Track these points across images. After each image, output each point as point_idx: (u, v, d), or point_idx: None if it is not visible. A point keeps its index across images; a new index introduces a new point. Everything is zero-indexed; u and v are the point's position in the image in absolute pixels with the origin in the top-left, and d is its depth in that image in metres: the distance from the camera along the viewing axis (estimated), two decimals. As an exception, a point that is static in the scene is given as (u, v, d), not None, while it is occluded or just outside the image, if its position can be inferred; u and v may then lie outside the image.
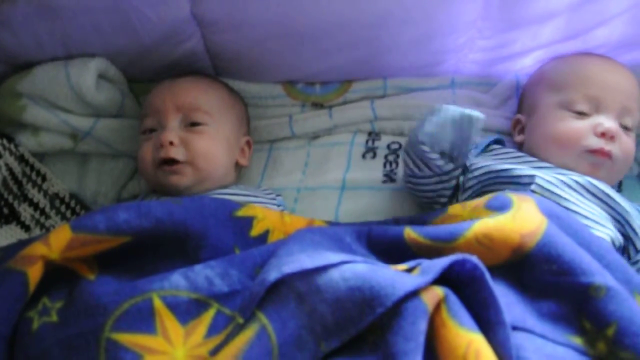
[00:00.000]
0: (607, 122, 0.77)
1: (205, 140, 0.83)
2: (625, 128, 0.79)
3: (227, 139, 0.87)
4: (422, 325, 0.49)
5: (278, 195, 0.90)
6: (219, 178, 0.85)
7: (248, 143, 0.93)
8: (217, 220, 0.66)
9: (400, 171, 0.92)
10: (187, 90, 0.87)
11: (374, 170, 0.93)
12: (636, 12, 0.84)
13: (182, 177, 0.81)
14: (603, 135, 0.76)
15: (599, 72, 0.81)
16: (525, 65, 0.96)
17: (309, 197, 0.92)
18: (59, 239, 0.59)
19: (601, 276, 0.55)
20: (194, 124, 0.84)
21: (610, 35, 0.88)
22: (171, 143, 0.81)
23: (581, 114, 0.79)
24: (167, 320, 0.55)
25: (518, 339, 0.53)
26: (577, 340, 0.54)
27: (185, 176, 0.81)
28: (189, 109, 0.84)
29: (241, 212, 0.69)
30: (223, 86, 0.94)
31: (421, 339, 0.49)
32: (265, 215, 0.71)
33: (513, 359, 0.49)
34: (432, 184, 0.79)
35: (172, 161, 0.81)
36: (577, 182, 0.74)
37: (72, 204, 0.91)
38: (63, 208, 0.89)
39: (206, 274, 0.58)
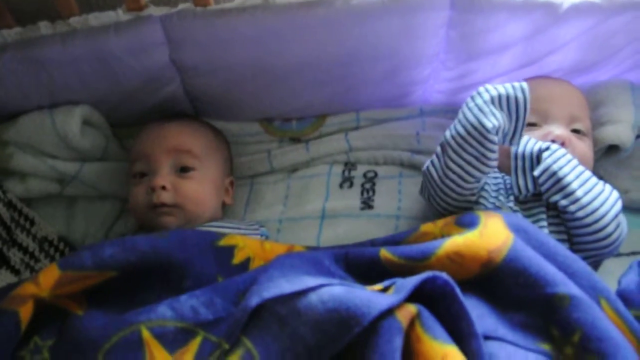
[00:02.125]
0: (557, 130, 0.81)
1: (195, 185, 0.86)
2: (578, 132, 0.84)
3: (214, 182, 0.90)
4: (398, 342, 0.51)
5: (262, 227, 0.93)
6: (207, 218, 0.88)
7: (231, 183, 0.96)
8: (199, 250, 0.68)
9: (377, 199, 0.96)
10: (177, 134, 0.89)
11: (352, 198, 0.97)
12: (583, 40, 0.89)
13: (173, 218, 0.84)
14: (553, 142, 0.80)
15: (544, 87, 0.87)
16: (488, 92, 1.02)
17: (291, 228, 0.95)
18: (48, 278, 0.61)
19: (565, 286, 0.58)
20: (184, 169, 0.87)
21: (562, 61, 0.94)
22: (163, 187, 0.84)
23: (532, 125, 0.83)
24: (156, 350, 0.57)
25: (490, 348, 0.56)
26: (546, 347, 0.57)
27: (176, 218, 0.85)
28: (179, 152, 0.87)
29: (222, 242, 0.72)
30: (209, 128, 0.97)
31: (397, 355, 0.51)
32: (245, 243, 0.73)
33: None
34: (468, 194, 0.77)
35: (163, 204, 0.84)
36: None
37: (61, 246, 0.92)
38: (52, 251, 0.91)
39: (191, 303, 0.61)
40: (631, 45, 0.91)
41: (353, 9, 0.84)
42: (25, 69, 0.87)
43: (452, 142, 0.73)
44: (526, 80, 0.92)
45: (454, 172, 0.74)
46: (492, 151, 0.72)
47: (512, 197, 0.78)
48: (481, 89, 0.74)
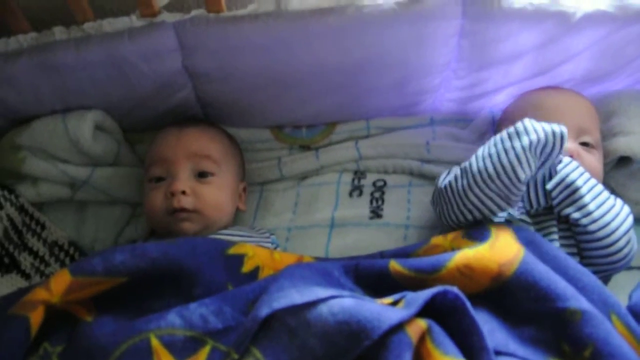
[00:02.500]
0: (565, 143, 0.81)
1: (215, 190, 0.86)
2: (586, 145, 0.83)
3: (231, 187, 0.90)
4: (407, 358, 0.51)
5: (272, 234, 0.93)
6: (222, 224, 0.88)
7: (244, 189, 0.96)
8: (209, 258, 0.68)
9: (386, 208, 0.95)
10: (196, 138, 0.89)
11: (361, 207, 0.96)
12: (595, 50, 0.89)
13: (191, 224, 0.84)
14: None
15: (552, 99, 0.87)
16: (499, 101, 1.01)
17: (300, 236, 0.95)
18: (59, 283, 0.61)
19: (576, 300, 0.57)
20: (202, 174, 0.86)
21: (574, 71, 0.93)
22: (184, 192, 0.83)
23: None
24: (165, 358, 0.57)
25: None
26: None
27: (194, 223, 0.84)
28: (199, 157, 0.86)
29: (232, 250, 0.71)
30: (224, 134, 0.97)
31: None
32: (255, 252, 0.73)
33: None
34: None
35: (183, 209, 0.83)
36: None
37: (71, 251, 0.93)
38: (62, 255, 0.91)
39: (201, 312, 0.60)
40: (644, 56, 0.91)
41: (364, 17, 0.84)
42: (40, 74, 0.87)
43: (478, 177, 0.71)
44: (535, 90, 0.93)
45: (472, 204, 0.73)
46: (518, 196, 0.71)
47: (522, 210, 0.78)
48: (520, 127, 0.70)
